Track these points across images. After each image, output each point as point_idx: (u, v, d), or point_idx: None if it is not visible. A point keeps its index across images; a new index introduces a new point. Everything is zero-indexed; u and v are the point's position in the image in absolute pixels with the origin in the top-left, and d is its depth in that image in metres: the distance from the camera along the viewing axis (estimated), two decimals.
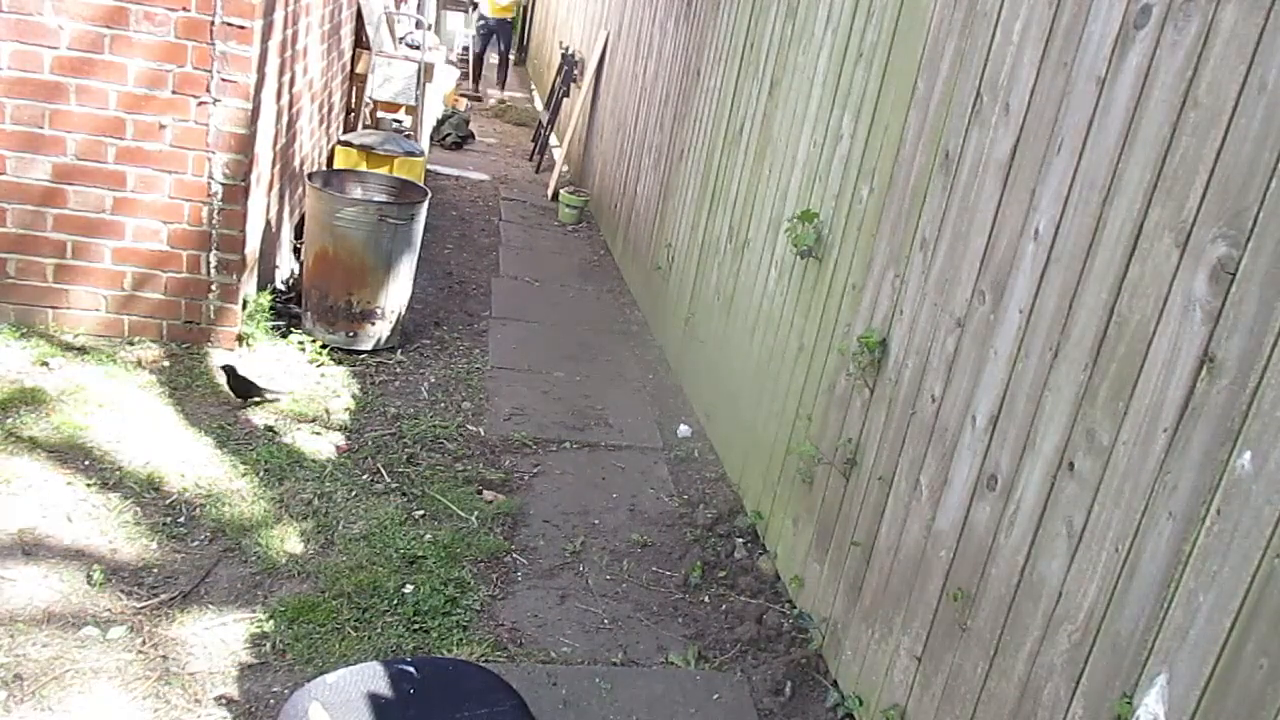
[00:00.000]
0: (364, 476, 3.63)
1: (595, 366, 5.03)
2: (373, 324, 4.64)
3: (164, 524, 3.15)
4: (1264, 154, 1.65)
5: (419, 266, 4.96)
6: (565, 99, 9.00)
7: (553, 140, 9.58)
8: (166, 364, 4.10)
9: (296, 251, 5.39)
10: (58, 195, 4.00)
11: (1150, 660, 1.76)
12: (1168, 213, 1.84)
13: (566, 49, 9.43)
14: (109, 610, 2.75)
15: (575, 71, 8.78)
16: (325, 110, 6.07)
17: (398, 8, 8.42)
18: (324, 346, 4.57)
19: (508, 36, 13.07)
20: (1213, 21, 1.79)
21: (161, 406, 3.80)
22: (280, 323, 4.65)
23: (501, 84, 13.54)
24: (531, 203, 8.00)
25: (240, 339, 4.33)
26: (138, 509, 3.19)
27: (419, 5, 9.20)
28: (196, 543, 3.11)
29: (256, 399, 3.95)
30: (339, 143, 5.96)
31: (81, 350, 4.04)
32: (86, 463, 3.35)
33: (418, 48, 7.17)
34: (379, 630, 2.86)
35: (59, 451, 3.38)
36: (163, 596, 2.85)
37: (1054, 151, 2.18)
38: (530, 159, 9.46)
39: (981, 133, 2.47)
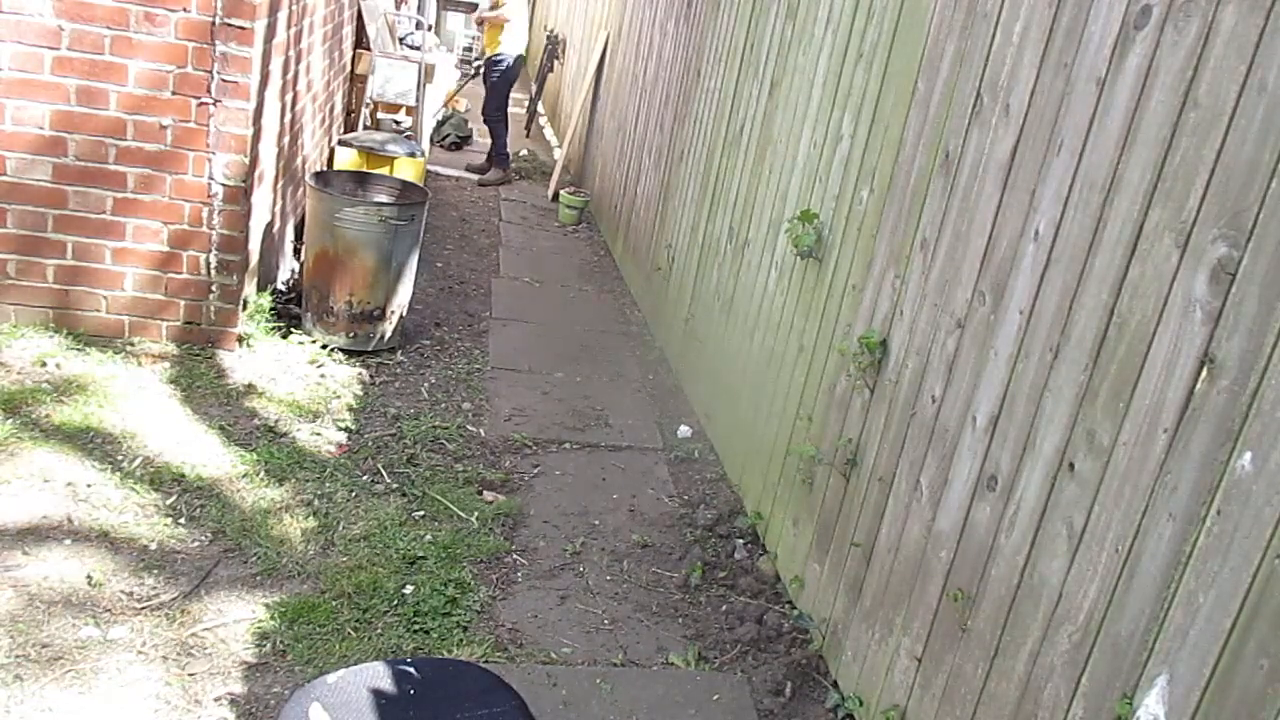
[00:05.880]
0: (364, 477, 3.63)
1: (595, 367, 5.03)
2: (373, 324, 4.64)
3: (165, 524, 3.15)
4: (1264, 154, 1.65)
5: (419, 267, 4.97)
6: (550, 74, 10.26)
7: (540, 109, 10.68)
8: (167, 364, 4.11)
9: (297, 252, 5.39)
10: (58, 196, 4.00)
11: (1150, 661, 1.76)
12: (1168, 213, 1.84)
13: (550, 31, 10.64)
14: (109, 611, 2.75)
15: (558, 49, 9.72)
16: (326, 111, 6.07)
17: (398, 8, 8.42)
18: (324, 347, 4.57)
19: (502, 82, 8.08)
20: (1213, 22, 1.79)
21: (162, 407, 3.80)
22: (280, 323, 4.65)
23: (483, 166, 8.50)
24: (531, 203, 8.00)
25: (241, 339, 4.33)
26: (138, 509, 3.19)
27: (419, 5, 9.20)
28: (197, 543, 3.11)
29: None
30: (339, 143, 5.95)
31: (82, 350, 4.04)
32: (87, 463, 3.35)
33: (418, 48, 7.17)
34: (379, 631, 2.86)
35: (59, 452, 3.38)
36: (163, 597, 2.85)
37: (1054, 152, 2.18)
38: (527, 134, 9.99)
39: (981, 133, 2.48)
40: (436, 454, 3.88)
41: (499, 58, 8.03)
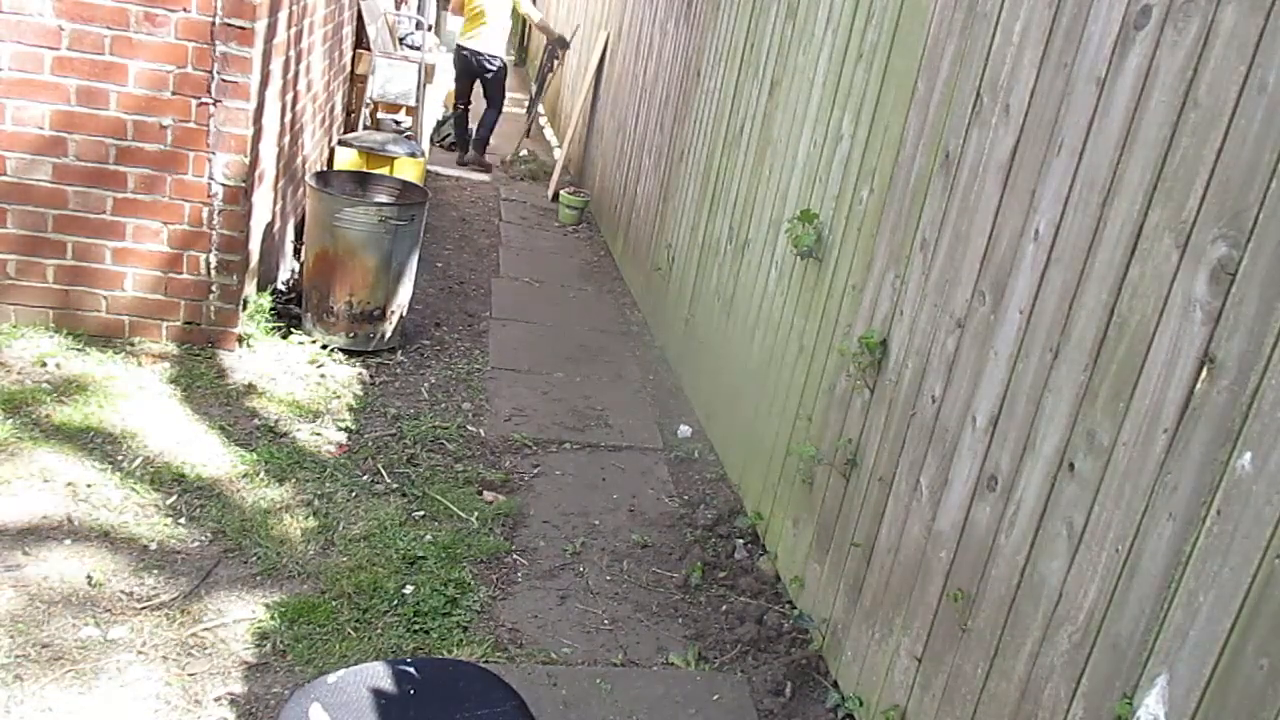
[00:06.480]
0: (364, 477, 3.63)
1: (595, 367, 5.03)
2: (373, 324, 4.64)
3: (165, 524, 3.15)
4: (1264, 154, 1.65)
5: (419, 267, 4.97)
6: (550, 74, 10.26)
7: (539, 109, 10.61)
8: (167, 364, 4.11)
9: (297, 252, 5.39)
10: (58, 196, 4.00)
11: (1150, 661, 1.76)
12: (1168, 213, 1.84)
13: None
14: (109, 611, 2.75)
15: (558, 49, 9.64)
16: (326, 111, 6.07)
17: (398, 8, 8.42)
18: (324, 347, 4.57)
19: (496, 82, 8.39)
20: (1213, 22, 1.79)
21: (162, 407, 3.80)
22: (281, 323, 4.65)
23: (476, 157, 8.53)
24: (531, 203, 8.00)
25: (241, 339, 4.33)
26: (138, 509, 3.19)
27: (419, 5, 9.20)
28: (197, 543, 3.11)
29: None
30: (339, 143, 5.95)
31: (82, 350, 4.04)
32: (87, 463, 3.35)
33: (418, 48, 7.17)
34: (379, 631, 2.86)
35: (59, 452, 3.38)
36: (163, 597, 2.85)
37: (1054, 152, 2.18)
38: (527, 134, 9.95)
39: (981, 133, 2.48)
40: (436, 454, 3.88)
41: (495, 55, 8.45)
